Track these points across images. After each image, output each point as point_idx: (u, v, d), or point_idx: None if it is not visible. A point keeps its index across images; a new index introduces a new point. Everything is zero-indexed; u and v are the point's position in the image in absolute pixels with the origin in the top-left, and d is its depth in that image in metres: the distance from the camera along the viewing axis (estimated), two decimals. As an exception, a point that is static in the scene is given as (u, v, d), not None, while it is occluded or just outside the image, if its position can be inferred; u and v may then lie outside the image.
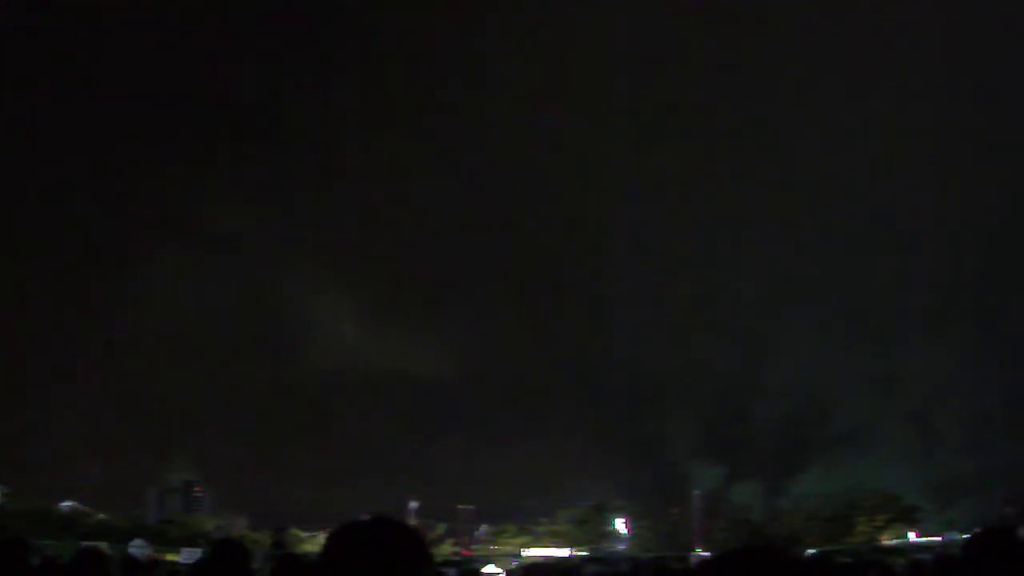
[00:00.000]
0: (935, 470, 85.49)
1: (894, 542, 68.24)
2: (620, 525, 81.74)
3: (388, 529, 2.48)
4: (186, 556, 46.87)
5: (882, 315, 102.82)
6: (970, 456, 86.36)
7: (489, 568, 53.83)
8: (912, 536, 69.62)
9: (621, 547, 78.47)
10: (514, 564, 59.19)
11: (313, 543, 75.59)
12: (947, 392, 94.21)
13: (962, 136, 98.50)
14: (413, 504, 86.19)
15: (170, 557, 44.18)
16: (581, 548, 74.48)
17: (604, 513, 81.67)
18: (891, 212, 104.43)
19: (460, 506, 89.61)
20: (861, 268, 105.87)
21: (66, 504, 75.45)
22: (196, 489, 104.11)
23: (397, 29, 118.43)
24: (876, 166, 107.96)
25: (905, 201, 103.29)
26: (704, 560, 3.11)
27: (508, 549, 76.07)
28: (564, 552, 73.51)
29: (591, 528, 80.00)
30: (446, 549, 76.45)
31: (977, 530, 4.28)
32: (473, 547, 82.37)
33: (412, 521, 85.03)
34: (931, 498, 77.69)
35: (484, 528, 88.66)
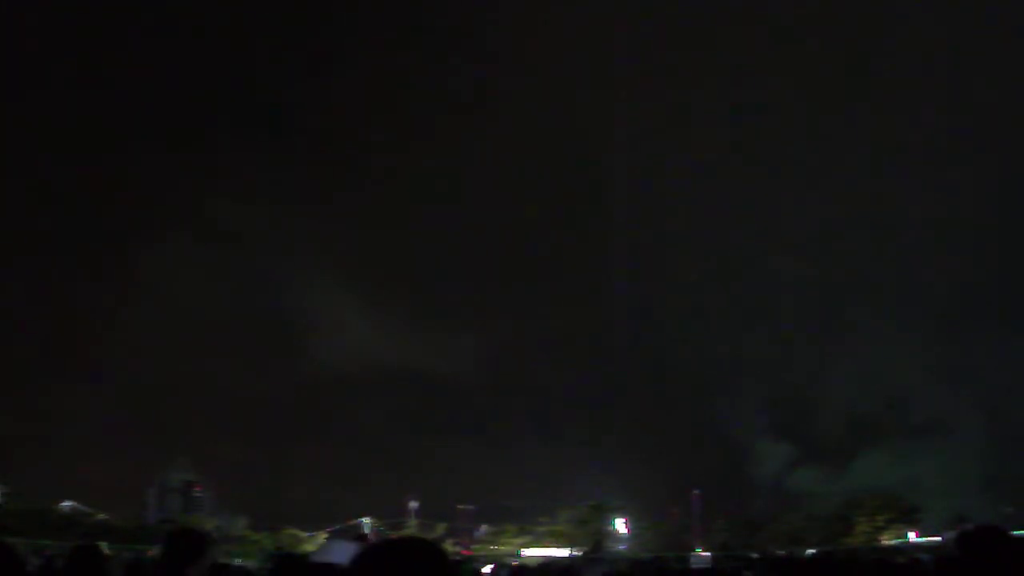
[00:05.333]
0: (1005, 466, 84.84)
1: (894, 542, 68.12)
2: (620, 525, 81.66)
3: (417, 550, 2.51)
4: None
5: (957, 309, 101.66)
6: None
7: (490, 568, 53.73)
8: (912, 536, 69.48)
9: (622, 547, 78.46)
10: (514, 564, 59.06)
11: (313, 543, 75.58)
12: (1020, 388, 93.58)
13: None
14: (413, 504, 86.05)
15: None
16: (581, 548, 74.41)
17: (604, 513, 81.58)
18: (967, 206, 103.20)
19: (460, 506, 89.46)
20: (936, 262, 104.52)
21: (66, 504, 75.45)
22: (196, 489, 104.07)
23: (397, 29, 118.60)
24: (952, 159, 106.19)
25: (980, 194, 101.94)
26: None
27: (508, 549, 75.96)
28: (564, 552, 73.45)
29: (591, 528, 79.93)
30: (446, 549, 76.29)
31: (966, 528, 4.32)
32: (473, 547, 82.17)
33: (412, 521, 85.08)
34: (996, 495, 76.30)
35: (484, 528, 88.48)
